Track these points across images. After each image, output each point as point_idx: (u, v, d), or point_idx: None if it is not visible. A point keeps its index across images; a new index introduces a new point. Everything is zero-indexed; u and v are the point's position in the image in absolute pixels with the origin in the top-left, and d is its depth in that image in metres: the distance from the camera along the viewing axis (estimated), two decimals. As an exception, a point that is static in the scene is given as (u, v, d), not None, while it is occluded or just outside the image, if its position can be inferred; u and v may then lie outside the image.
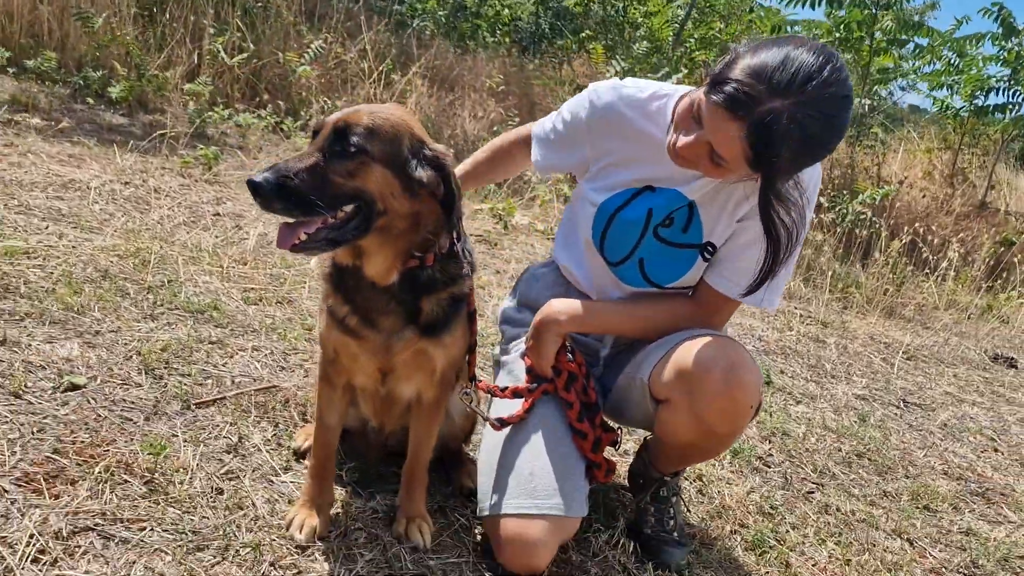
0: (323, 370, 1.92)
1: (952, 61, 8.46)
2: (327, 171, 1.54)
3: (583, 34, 8.19)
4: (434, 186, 1.63)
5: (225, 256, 3.45)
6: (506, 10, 9.18)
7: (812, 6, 7.79)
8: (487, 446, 2.04)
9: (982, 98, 8.26)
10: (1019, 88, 8.11)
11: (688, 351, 1.83)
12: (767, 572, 2.24)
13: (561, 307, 2.00)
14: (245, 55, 6.50)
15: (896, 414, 3.72)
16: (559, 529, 1.88)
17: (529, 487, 1.89)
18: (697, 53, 7.95)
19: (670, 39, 7.75)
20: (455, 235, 1.78)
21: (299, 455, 2.20)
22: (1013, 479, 3.23)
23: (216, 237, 3.70)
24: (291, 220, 1.57)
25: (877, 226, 6.72)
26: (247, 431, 2.25)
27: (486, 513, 1.92)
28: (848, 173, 8.06)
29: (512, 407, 2.02)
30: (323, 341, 1.88)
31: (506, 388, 2.01)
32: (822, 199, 7.27)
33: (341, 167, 1.54)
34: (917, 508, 2.80)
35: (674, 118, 1.85)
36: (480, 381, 2.03)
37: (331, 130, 1.56)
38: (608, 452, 2.09)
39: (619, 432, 2.07)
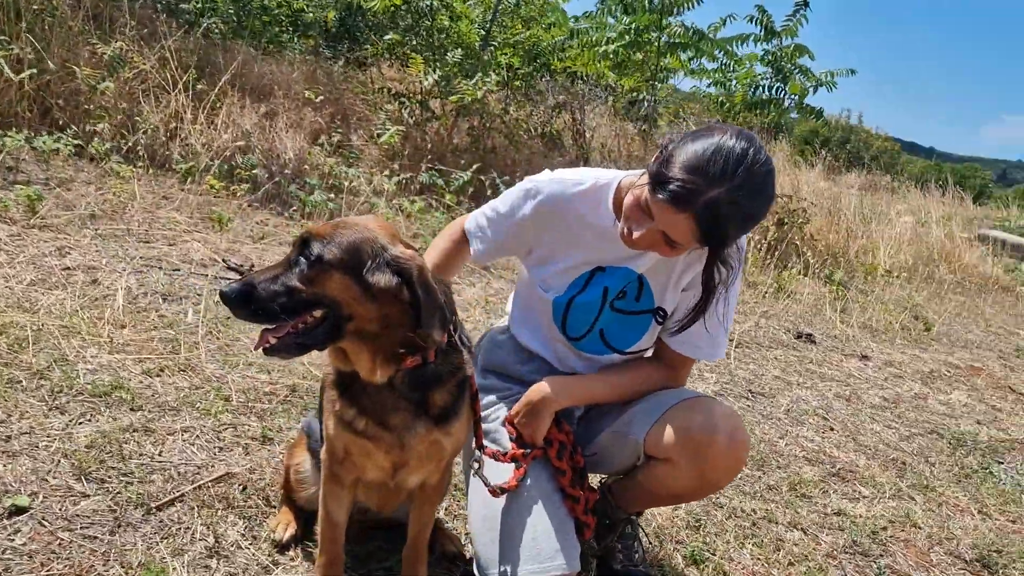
0: (330, 470, 1.93)
1: (724, 61, 9.40)
2: (288, 280, 1.65)
3: (388, 36, 8.16)
4: (396, 290, 1.68)
5: (99, 321, 3.21)
6: (298, 2, 8.89)
7: (610, 14, 8.34)
8: (483, 513, 2.13)
9: (751, 93, 9.28)
10: (781, 85, 9.20)
11: (689, 418, 2.07)
12: (710, 583, 2.55)
13: (557, 388, 2.15)
14: (34, 69, 5.86)
15: (749, 406, 4.22)
16: None
17: (534, 551, 2.03)
18: (503, 57, 8.22)
19: (478, 44, 7.96)
20: (451, 327, 1.87)
21: (281, 547, 2.18)
22: (853, 455, 3.80)
23: (78, 297, 3.41)
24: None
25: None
26: (221, 529, 2.19)
27: None
28: (644, 166, 8.72)
29: (499, 474, 2.14)
30: (331, 443, 1.90)
31: (506, 453, 2.12)
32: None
33: (301, 275, 1.65)
34: (796, 497, 3.25)
35: (622, 210, 2.02)
36: (487, 448, 2.12)
37: (297, 241, 1.69)
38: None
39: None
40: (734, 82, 9.34)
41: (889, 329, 6.79)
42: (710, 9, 12.05)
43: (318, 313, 1.67)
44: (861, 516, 3.19)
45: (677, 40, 8.63)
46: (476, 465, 2.06)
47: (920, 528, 3.20)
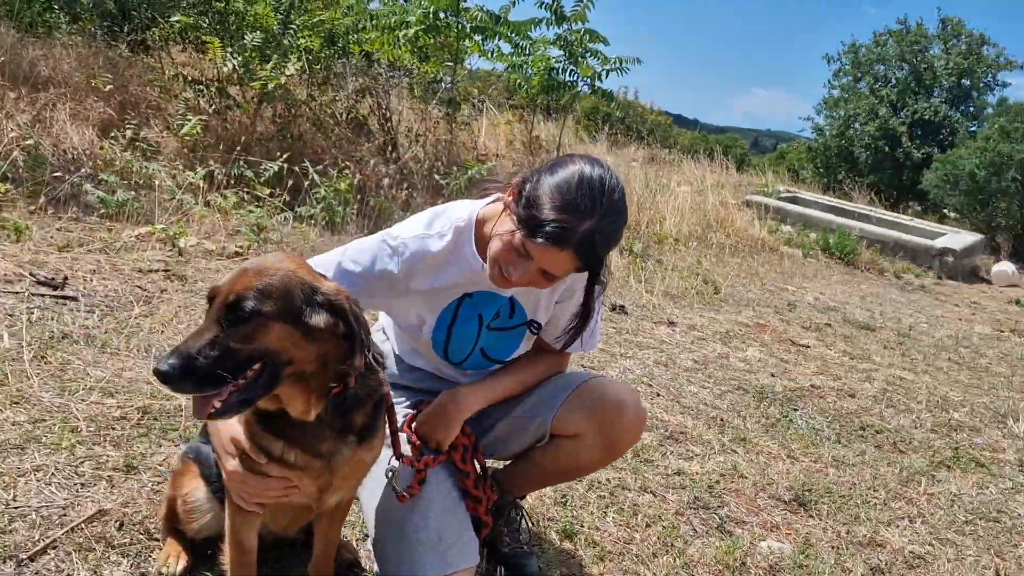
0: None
1: (520, 44, 9.67)
2: (227, 341, 1.57)
3: (176, 19, 7.66)
4: (333, 327, 1.71)
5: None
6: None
7: (405, -2, 8.34)
8: (385, 518, 2.19)
9: (546, 76, 9.64)
10: (574, 68, 9.63)
11: (598, 396, 2.29)
12: (584, 552, 2.76)
13: (469, 394, 2.28)
14: None
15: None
16: None
17: (441, 549, 2.12)
18: (303, 40, 7.99)
19: (276, 27, 7.67)
20: (366, 348, 1.90)
21: (178, 581, 2.12)
22: (680, 417, 4.20)
23: None
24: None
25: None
26: (106, 571, 2.09)
27: None
28: (452, 150, 8.85)
29: (399, 479, 2.20)
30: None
31: (421, 461, 2.18)
32: (438, 177, 7.94)
33: (239, 334, 1.58)
34: (641, 463, 3.56)
35: (489, 254, 2.08)
36: (406, 457, 2.17)
37: (223, 300, 1.60)
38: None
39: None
40: (530, 66, 9.66)
41: (686, 294, 7.43)
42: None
43: (256, 366, 1.62)
44: (697, 473, 3.56)
45: (475, 24, 8.78)
46: (391, 475, 2.11)
47: (746, 477, 3.62)
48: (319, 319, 1.68)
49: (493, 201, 2.22)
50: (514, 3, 9.87)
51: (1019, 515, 3.81)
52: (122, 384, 3.13)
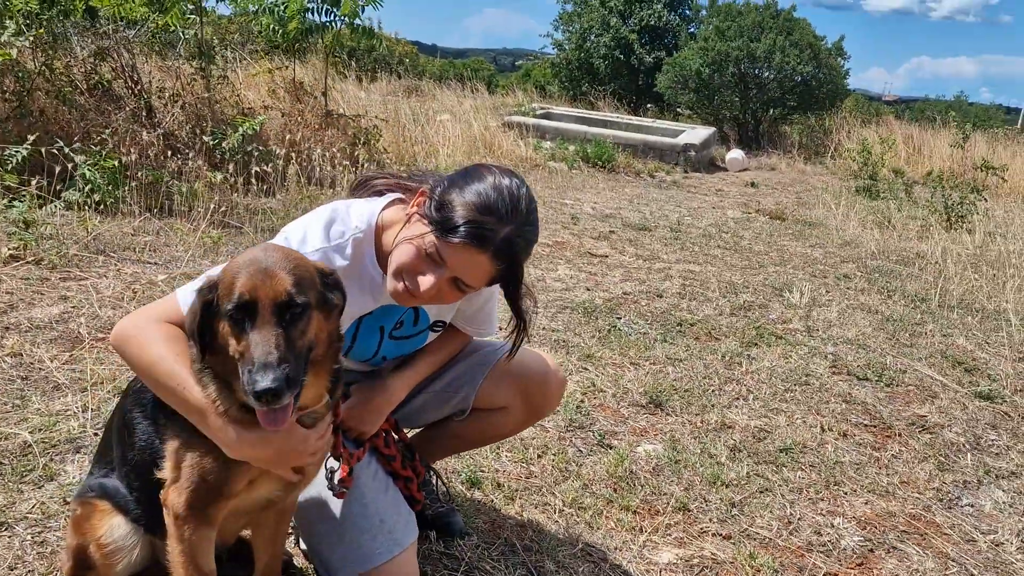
0: (200, 513, 1.74)
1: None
2: (292, 339, 1.58)
3: None
4: (342, 303, 1.75)
5: None
6: None
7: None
8: (321, 514, 2.15)
9: (303, 19, 9.18)
10: (332, 8, 9.24)
11: (524, 370, 2.34)
12: (494, 496, 2.88)
13: (398, 384, 2.25)
14: None
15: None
16: (414, 550, 2.19)
17: (386, 531, 2.14)
18: (18, 2, 6.99)
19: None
20: None
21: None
22: (527, 345, 4.37)
23: None
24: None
25: (275, 155, 7.25)
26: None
27: (363, 571, 2.10)
28: (213, 107, 8.25)
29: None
30: (217, 478, 1.73)
31: (353, 455, 2.13)
32: (205, 137, 7.40)
33: (298, 330, 1.59)
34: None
35: (393, 265, 1.94)
36: (345, 453, 2.10)
37: (274, 301, 1.57)
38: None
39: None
40: (282, 8, 9.13)
41: (484, 225, 7.59)
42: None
43: None
44: (564, 397, 3.77)
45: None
46: (330, 473, 2.06)
47: (604, 391, 3.90)
48: (335, 298, 1.72)
49: (390, 203, 2.11)
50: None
51: (821, 375, 4.44)
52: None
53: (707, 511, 2.98)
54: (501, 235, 1.85)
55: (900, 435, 3.83)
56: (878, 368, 4.61)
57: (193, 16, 8.36)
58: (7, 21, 6.48)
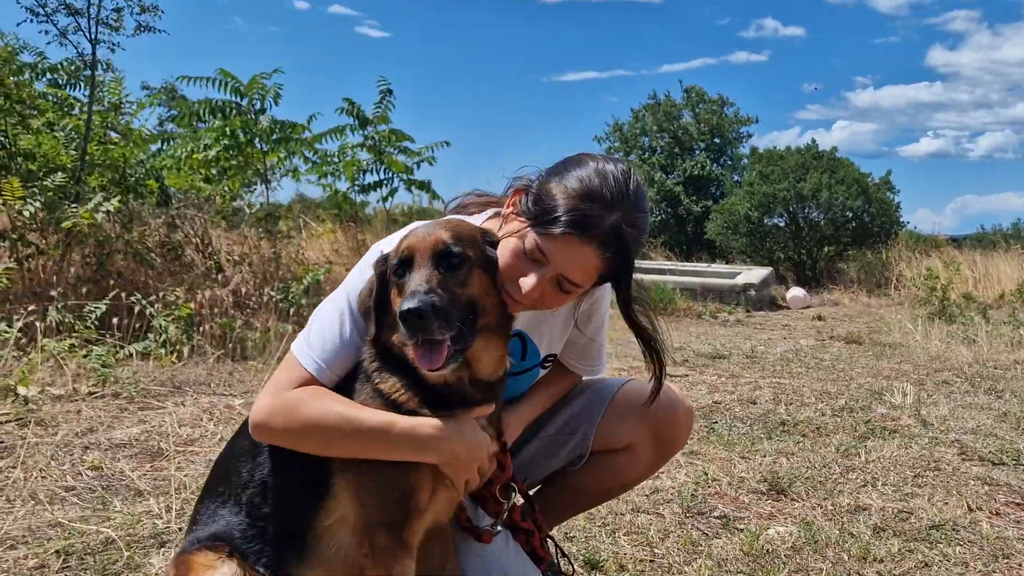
0: (401, 539, 1.62)
1: (327, 152, 9.62)
2: (448, 284, 1.55)
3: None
4: None
5: None
6: None
7: (199, 120, 8.09)
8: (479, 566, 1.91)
9: (361, 178, 9.62)
10: (385, 165, 9.68)
11: (647, 405, 2.06)
12: (618, 579, 2.54)
13: (512, 421, 2.04)
14: None
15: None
16: None
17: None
18: (99, 179, 7.43)
19: (73, 164, 7.06)
20: None
21: None
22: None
23: None
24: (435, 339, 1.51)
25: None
26: None
27: None
28: (278, 266, 8.45)
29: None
30: (414, 488, 1.64)
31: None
32: (271, 291, 7.51)
33: (456, 278, 1.57)
34: (615, 491, 3.39)
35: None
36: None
37: (432, 248, 1.58)
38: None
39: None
40: (342, 171, 9.57)
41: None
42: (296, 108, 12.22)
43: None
44: (672, 487, 3.45)
45: (272, 135, 8.63)
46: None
47: (718, 480, 3.55)
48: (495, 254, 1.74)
49: (488, 219, 1.97)
50: (310, 120, 9.79)
51: (950, 460, 4.02)
52: (20, 534, 2.55)
53: (865, 588, 2.58)
54: (608, 223, 1.65)
55: (1060, 513, 3.37)
56: (1013, 453, 4.17)
57: (251, 188, 8.78)
58: (96, 194, 6.83)
